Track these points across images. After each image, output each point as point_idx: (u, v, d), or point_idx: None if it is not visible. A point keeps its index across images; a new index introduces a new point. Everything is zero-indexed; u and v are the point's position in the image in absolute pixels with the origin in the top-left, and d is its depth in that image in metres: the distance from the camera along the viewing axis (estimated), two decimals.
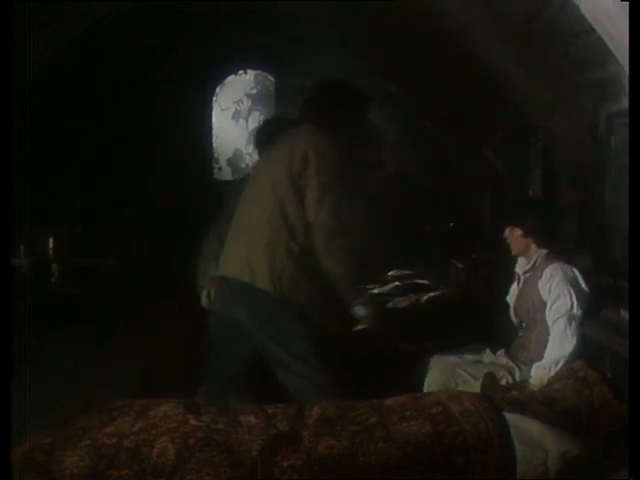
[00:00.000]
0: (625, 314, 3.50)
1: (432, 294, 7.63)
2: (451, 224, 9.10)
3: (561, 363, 3.63)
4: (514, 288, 4.19)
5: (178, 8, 7.35)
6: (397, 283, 8.75)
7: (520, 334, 4.09)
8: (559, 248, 4.00)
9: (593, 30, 3.47)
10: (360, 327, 3.65)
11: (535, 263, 4.00)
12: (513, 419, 3.03)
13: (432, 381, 3.90)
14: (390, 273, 9.75)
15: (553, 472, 2.90)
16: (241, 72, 12.66)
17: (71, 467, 2.72)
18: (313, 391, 3.51)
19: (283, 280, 3.51)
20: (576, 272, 3.88)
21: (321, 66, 10.39)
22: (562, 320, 3.72)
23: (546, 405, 3.17)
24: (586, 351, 3.73)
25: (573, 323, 3.71)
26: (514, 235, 4.07)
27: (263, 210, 3.60)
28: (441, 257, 9.31)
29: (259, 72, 12.69)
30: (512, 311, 4.16)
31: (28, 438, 2.83)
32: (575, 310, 3.74)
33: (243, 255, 3.59)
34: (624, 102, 4.10)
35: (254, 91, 13.24)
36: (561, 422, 3.07)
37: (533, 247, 4.02)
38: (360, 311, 3.59)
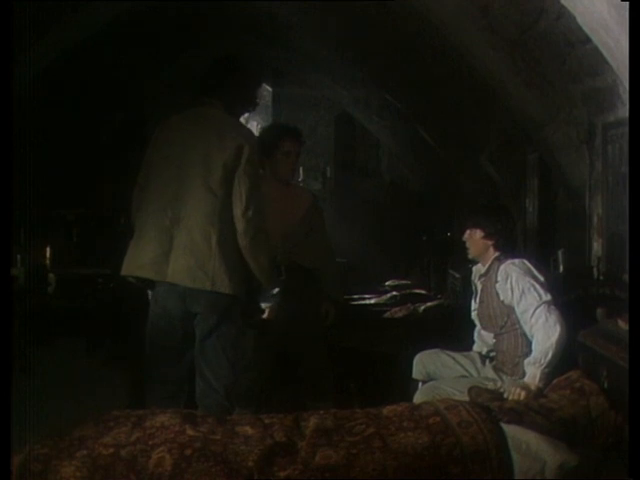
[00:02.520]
0: (622, 324, 3.49)
1: (430, 304, 7.65)
2: (448, 234, 9.11)
3: (550, 354, 3.58)
4: (473, 302, 4.17)
5: (178, 18, 7.38)
6: (394, 293, 8.77)
7: (492, 349, 4.05)
8: (512, 253, 3.97)
9: (589, 40, 3.48)
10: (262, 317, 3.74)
11: (489, 267, 3.99)
12: (510, 430, 3.03)
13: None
14: (387, 283, 9.77)
15: None
16: None
17: (67, 477, 2.71)
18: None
19: (240, 281, 3.55)
20: (527, 263, 3.85)
21: (318, 77, 10.46)
22: (539, 310, 3.66)
23: (543, 415, 3.16)
24: (583, 361, 3.72)
25: (551, 309, 3.66)
26: (474, 237, 4.04)
27: (200, 206, 3.54)
28: (438, 267, 9.31)
29: None
30: (477, 323, 4.13)
31: (25, 447, 2.83)
32: (545, 296, 3.70)
33: (193, 260, 3.53)
34: (620, 112, 4.11)
35: None
36: (558, 433, 3.06)
37: (491, 250, 4.00)
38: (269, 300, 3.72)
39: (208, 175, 3.52)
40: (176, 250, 3.53)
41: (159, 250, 3.55)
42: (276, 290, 3.63)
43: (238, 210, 3.50)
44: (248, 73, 3.83)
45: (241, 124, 3.80)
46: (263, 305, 3.67)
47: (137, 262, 3.62)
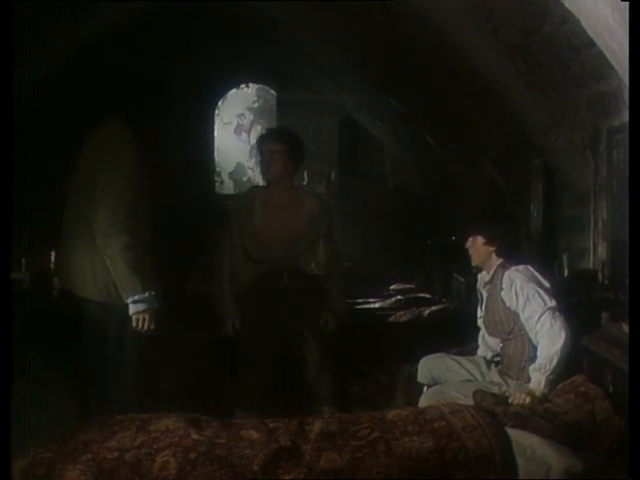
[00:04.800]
0: (626, 328, 3.49)
1: (434, 308, 7.62)
2: (452, 238, 9.09)
3: (555, 360, 3.57)
4: (479, 310, 4.17)
5: (181, 22, 7.38)
6: (399, 297, 8.75)
7: (498, 354, 4.04)
8: (515, 259, 3.97)
9: (593, 44, 3.47)
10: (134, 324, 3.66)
11: (494, 274, 3.98)
12: (515, 434, 3.02)
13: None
14: (392, 287, 9.75)
15: None
16: (243, 86, 12.72)
17: None
18: None
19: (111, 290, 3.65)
20: (531, 269, 3.84)
21: (322, 81, 10.47)
22: (544, 317, 3.66)
23: (547, 420, 3.15)
24: (587, 366, 3.71)
25: (556, 316, 3.65)
26: (476, 244, 4.03)
27: (86, 222, 3.63)
28: (443, 271, 9.29)
29: (261, 86, 12.75)
30: (483, 330, 4.13)
31: (27, 452, 2.82)
32: (550, 302, 3.69)
33: (100, 273, 3.64)
34: (625, 116, 4.11)
35: (256, 105, 13.29)
36: (563, 437, 3.06)
37: (493, 257, 3.98)
38: (132, 308, 3.62)
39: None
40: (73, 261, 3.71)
41: (68, 262, 3.75)
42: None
43: (93, 214, 3.60)
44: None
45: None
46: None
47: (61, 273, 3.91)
